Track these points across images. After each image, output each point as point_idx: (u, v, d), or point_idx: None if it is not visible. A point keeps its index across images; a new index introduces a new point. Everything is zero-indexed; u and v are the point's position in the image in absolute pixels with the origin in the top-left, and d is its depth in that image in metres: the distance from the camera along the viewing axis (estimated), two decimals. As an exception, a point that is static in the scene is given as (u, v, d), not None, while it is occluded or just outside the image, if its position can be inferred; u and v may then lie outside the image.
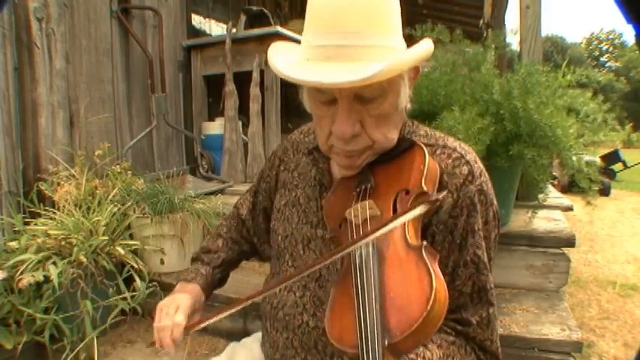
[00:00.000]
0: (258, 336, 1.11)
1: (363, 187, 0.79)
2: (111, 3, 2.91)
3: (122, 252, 2.02)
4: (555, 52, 34.79)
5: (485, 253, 0.79)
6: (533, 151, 1.66)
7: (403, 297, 0.61)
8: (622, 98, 29.66)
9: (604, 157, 8.08)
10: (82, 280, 1.86)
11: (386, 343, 0.57)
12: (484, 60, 1.91)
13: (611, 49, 42.42)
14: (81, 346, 1.81)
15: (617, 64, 37.72)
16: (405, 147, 0.80)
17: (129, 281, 2.06)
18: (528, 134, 1.67)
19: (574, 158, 1.67)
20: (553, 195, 2.59)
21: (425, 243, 0.66)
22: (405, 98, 0.79)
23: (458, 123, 1.61)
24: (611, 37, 43.03)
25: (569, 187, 5.08)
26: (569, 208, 2.45)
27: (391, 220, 0.65)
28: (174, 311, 0.90)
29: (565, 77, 1.78)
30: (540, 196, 2.03)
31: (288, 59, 0.75)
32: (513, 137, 1.70)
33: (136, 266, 2.06)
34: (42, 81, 2.44)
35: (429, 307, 0.57)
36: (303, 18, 0.78)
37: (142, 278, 2.05)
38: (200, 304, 0.99)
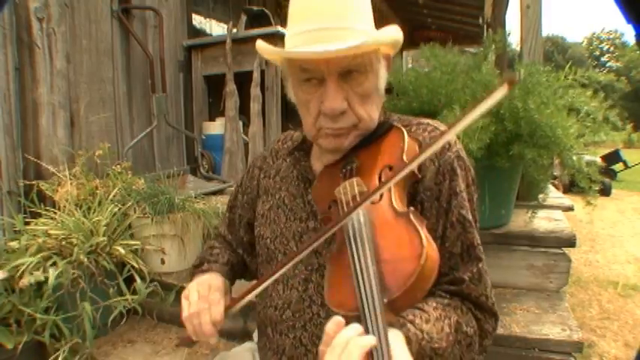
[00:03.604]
0: (247, 346, 1.10)
1: (349, 167, 0.85)
2: (111, 3, 2.92)
3: (122, 252, 2.02)
4: (556, 52, 34.76)
5: (469, 212, 0.84)
6: (533, 151, 1.66)
7: (397, 257, 0.66)
8: (623, 98, 29.62)
9: (605, 157, 8.06)
10: (82, 280, 1.87)
11: (385, 301, 0.62)
12: (484, 59, 1.91)
13: (612, 49, 42.36)
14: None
15: (618, 64, 37.65)
16: (384, 129, 0.88)
17: (129, 281, 2.06)
18: (529, 134, 1.67)
19: (574, 158, 1.67)
20: (553, 195, 2.59)
21: (412, 209, 0.72)
22: (383, 82, 0.87)
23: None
24: (612, 37, 42.98)
25: (570, 187, 5.08)
26: (570, 208, 2.45)
27: (379, 188, 0.70)
28: (207, 292, 0.86)
29: (566, 78, 1.78)
30: (541, 196, 2.03)
31: (278, 48, 0.83)
32: (514, 137, 1.70)
33: (136, 266, 2.06)
34: (43, 81, 2.44)
35: (422, 262, 0.62)
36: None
37: (142, 278, 2.05)
38: (227, 287, 0.94)
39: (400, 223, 0.70)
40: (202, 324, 0.83)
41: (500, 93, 0.58)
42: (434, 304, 0.77)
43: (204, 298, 0.84)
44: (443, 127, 0.88)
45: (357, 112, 0.83)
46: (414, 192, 0.83)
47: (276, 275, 0.77)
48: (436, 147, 0.66)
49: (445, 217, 0.82)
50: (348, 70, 0.80)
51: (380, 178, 0.79)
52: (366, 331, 0.59)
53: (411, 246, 0.65)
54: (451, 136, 0.67)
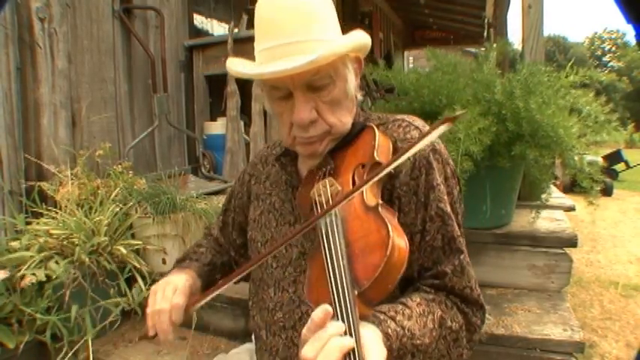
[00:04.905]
0: (246, 347, 1.12)
1: (325, 170, 0.87)
2: (113, 3, 2.92)
3: (124, 252, 2.03)
4: (557, 52, 34.69)
5: (447, 205, 0.85)
6: (535, 151, 1.66)
7: (366, 250, 0.68)
8: (624, 98, 29.56)
9: (606, 157, 8.05)
10: (83, 280, 1.87)
11: (356, 293, 0.64)
12: (486, 60, 1.91)
13: (613, 48, 42.23)
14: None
15: (620, 64, 37.57)
16: (357, 130, 0.90)
17: (130, 281, 2.07)
18: (530, 134, 1.67)
19: (576, 158, 1.67)
20: (555, 195, 2.58)
21: (381, 202, 0.75)
22: (352, 86, 0.89)
23: (458, 123, 1.60)
24: (613, 36, 42.85)
25: (572, 187, 5.07)
26: (572, 208, 2.45)
27: (351, 192, 0.73)
28: (171, 293, 0.90)
29: (568, 78, 1.78)
30: (542, 196, 2.03)
31: (246, 66, 0.86)
32: (515, 137, 1.70)
33: (137, 266, 2.06)
34: (44, 81, 2.45)
35: (388, 252, 0.64)
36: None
37: (143, 278, 2.05)
38: (197, 289, 0.98)
39: (370, 217, 0.72)
40: (162, 322, 0.89)
41: (442, 128, 0.64)
42: (417, 300, 0.78)
43: (167, 299, 0.90)
44: (417, 123, 0.90)
45: (328, 120, 0.85)
46: (391, 188, 0.85)
47: (236, 278, 0.81)
48: (395, 164, 0.70)
49: (424, 210, 0.84)
50: (314, 81, 0.82)
51: (354, 177, 0.81)
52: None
53: (379, 238, 0.67)
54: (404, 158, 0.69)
